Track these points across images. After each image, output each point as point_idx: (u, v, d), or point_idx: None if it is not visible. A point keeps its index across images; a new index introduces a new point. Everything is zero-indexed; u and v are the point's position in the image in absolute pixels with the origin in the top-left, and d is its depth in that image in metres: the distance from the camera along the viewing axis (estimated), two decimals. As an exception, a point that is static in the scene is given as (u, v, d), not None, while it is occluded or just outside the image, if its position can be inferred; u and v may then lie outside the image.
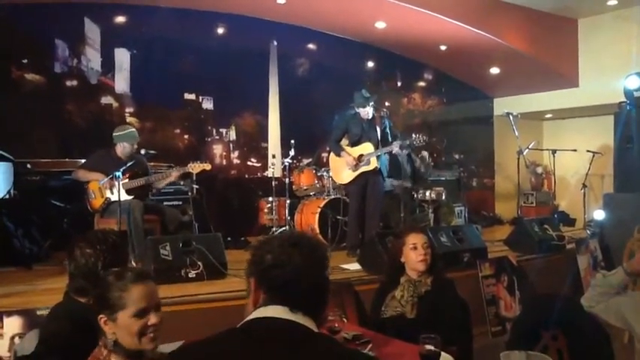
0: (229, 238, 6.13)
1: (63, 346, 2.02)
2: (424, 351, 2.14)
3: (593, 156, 7.84)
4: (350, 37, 8.43)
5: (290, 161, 6.88)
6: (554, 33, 8.48)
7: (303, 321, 1.50)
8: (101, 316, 1.85)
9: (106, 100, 6.94)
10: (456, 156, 9.86)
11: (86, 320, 2.02)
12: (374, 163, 5.60)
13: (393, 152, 5.64)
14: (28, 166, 5.72)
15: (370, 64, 9.01)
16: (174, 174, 5.20)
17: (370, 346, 2.40)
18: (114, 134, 5.18)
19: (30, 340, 2.24)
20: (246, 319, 1.54)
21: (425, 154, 5.93)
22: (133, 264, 4.23)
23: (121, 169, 4.79)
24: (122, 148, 5.14)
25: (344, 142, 5.94)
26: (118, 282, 1.87)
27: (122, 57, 7.03)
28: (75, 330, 2.05)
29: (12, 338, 3.15)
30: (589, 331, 2.28)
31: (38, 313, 3.21)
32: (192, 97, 7.55)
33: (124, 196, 4.86)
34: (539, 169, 9.87)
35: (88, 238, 2.31)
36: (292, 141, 6.91)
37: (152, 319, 1.87)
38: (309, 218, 6.44)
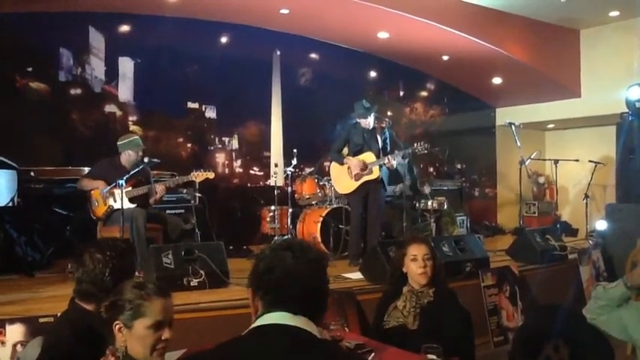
0: (231, 247, 6.13)
1: (66, 354, 2.02)
2: (426, 361, 2.15)
3: (595, 166, 7.85)
4: (353, 47, 8.47)
5: (292, 170, 6.88)
6: (557, 44, 8.51)
7: (305, 326, 1.52)
8: (117, 322, 1.87)
9: (110, 108, 6.97)
10: (458, 166, 9.86)
11: (90, 328, 2.03)
12: (376, 172, 5.62)
13: (388, 164, 5.59)
14: (32, 173, 5.74)
15: (373, 73, 9.05)
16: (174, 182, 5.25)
17: (372, 355, 2.40)
18: (118, 143, 5.19)
19: (33, 347, 2.24)
20: (249, 328, 1.56)
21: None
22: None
23: (124, 178, 4.80)
24: (127, 157, 5.15)
25: (345, 152, 5.96)
26: (141, 290, 1.91)
27: (126, 66, 7.08)
28: (79, 338, 2.06)
29: (14, 346, 3.16)
30: (591, 342, 2.28)
31: (40, 320, 3.22)
32: (195, 106, 7.59)
33: (127, 205, 4.88)
34: (542, 179, 9.87)
35: (98, 244, 2.35)
36: (295, 150, 6.92)
37: (166, 333, 1.91)
38: (311, 227, 6.44)
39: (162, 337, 1.90)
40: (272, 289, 1.56)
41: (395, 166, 5.70)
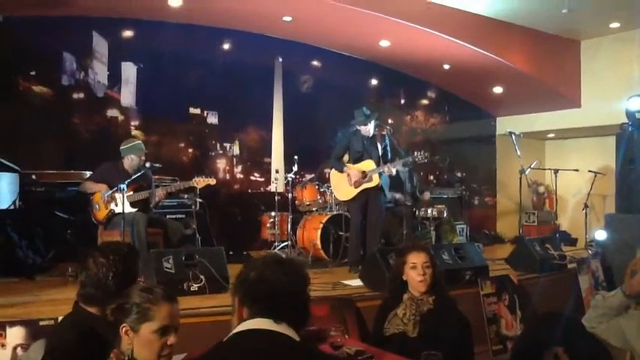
0: (231, 252, 6.14)
1: (69, 357, 2.03)
2: (426, 368, 2.16)
3: (595, 176, 7.87)
4: (354, 54, 8.51)
5: (293, 176, 6.89)
6: (557, 54, 8.56)
7: (287, 331, 1.59)
8: (124, 325, 1.88)
9: (112, 113, 7.00)
10: (459, 174, 9.88)
11: (94, 331, 2.04)
12: (376, 180, 5.63)
13: (388, 171, 5.59)
14: (34, 177, 5.76)
15: (374, 81, 9.08)
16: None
17: (372, 362, 2.41)
18: (121, 147, 5.21)
19: (36, 350, 2.25)
20: (232, 333, 1.63)
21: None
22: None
23: (126, 182, 4.82)
24: (130, 161, 5.17)
25: (345, 159, 5.97)
26: (149, 295, 1.93)
27: (129, 71, 7.11)
28: (82, 341, 2.06)
29: (15, 349, 3.16)
30: (590, 351, 2.29)
31: (41, 323, 3.23)
32: (197, 111, 7.61)
33: (128, 209, 4.89)
34: (541, 189, 9.89)
35: (101, 248, 2.36)
36: (295, 156, 6.93)
37: (171, 339, 1.92)
38: (311, 233, 6.45)
39: (168, 343, 1.91)
40: (261, 299, 1.63)
41: (394, 173, 5.71)
